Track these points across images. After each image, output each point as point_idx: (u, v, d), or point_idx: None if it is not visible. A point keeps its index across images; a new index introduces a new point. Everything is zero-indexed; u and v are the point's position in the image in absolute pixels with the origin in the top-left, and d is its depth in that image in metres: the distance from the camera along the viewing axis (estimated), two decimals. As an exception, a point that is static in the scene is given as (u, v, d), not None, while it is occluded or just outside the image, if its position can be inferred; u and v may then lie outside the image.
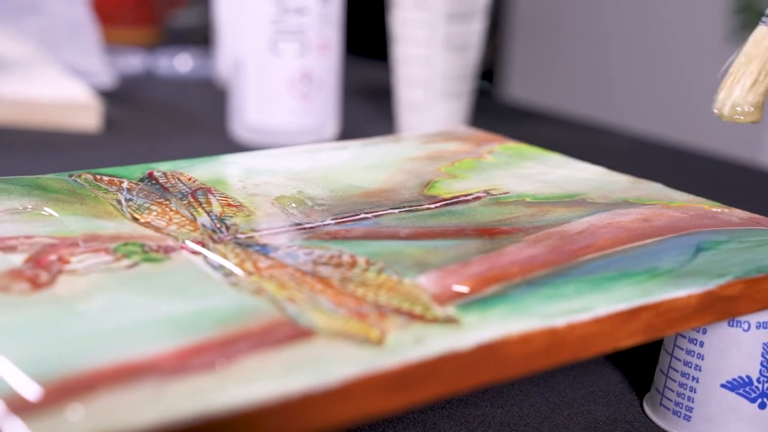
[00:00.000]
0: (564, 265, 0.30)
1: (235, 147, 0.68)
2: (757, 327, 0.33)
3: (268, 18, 0.66)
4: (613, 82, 2.52)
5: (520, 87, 2.82)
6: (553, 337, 0.26)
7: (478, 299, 0.28)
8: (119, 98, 0.79)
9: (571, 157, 0.55)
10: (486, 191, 0.38)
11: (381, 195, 0.37)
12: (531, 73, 2.82)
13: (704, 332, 0.33)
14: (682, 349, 0.34)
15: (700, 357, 0.34)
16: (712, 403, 0.34)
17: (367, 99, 0.84)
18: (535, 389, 0.36)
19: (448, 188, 0.38)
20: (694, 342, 0.34)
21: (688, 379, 0.34)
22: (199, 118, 0.75)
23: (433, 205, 0.36)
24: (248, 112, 0.68)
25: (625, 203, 0.37)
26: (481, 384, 0.25)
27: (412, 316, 0.26)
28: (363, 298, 0.27)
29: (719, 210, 0.36)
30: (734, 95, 0.35)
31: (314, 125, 0.68)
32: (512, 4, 2.93)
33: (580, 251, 0.31)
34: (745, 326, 0.33)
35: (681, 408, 0.34)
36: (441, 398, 0.25)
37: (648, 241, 0.33)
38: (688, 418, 0.34)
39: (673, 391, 0.35)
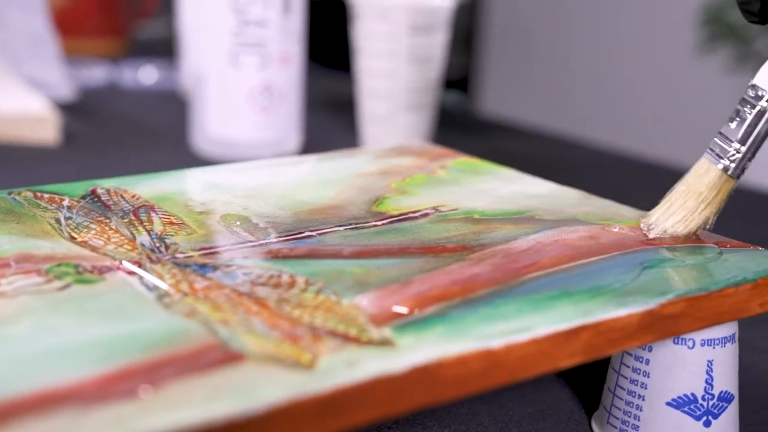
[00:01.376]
0: (506, 284, 0.30)
1: (196, 161, 0.67)
2: (702, 344, 0.33)
3: (229, 30, 0.65)
4: (586, 95, 2.53)
5: (494, 101, 2.83)
6: (490, 358, 0.26)
7: (416, 320, 0.27)
8: (80, 111, 0.78)
9: (532, 171, 0.55)
10: (435, 208, 0.37)
11: (328, 212, 0.36)
12: (504, 87, 2.83)
13: (650, 350, 0.33)
14: (628, 366, 0.34)
15: (646, 375, 0.33)
16: (657, 421, 0.33)
17: (332, 111, 0.84)
18: (484, 407, 0.36)
19: (396, 205, 0.38)
20: (640, 360, 0.34)
21: (634, 397, 0.34)
22: (162, 131, 0.74)
23: (379, 222, 0.35)
24: (209, 126, 0.67)
25: (574, 220, 0.36)
26: (415, 407, 0.25)
27: (346, 339, 0.26)
28: (298, 320, 0.27)
29: (667, 226, 0.36)
30: (666, 225, 0.35)
31: (276, 138, 0.68)
32: (486, 19, 2.94)
33: (524, 269, 0.31)
34: (690, 344, 0.33)
35: (627, 426, 0.34)
36: (374, 422, 0.25)
37: (593, 259, 0.32)
38: (634, 437, 0.34)
39: (619, 409, 0.34)
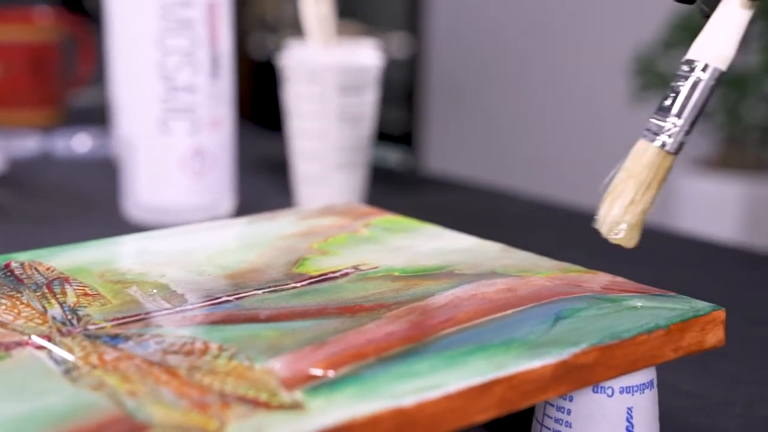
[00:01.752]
0: (421, 342, 0.30)
1: (128, 228, 0.67)
2: (621, 392, 0.33)
3: (157, 97, 0.65)
4: (524, 147, 2.57)
5: (436, 156, 2.85)
6: (402, 417, 0.26)
7: (328, 382, 0.27)
8: (11, 182, 0.77)
9: (468, 225, 0.55)
10: (355, 267, 0.37)
11: (247, 276, 0.36)
12: (446, 142, 2.86)
13: (570, 399, 0.33)
14: (550, 417, 0.34)
15: (568, 425, 0.34)
16: (583, 471, 0.33)
17: (267, 172, 0.84)
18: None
19: (317, 265, 0.38)
20: (562, 410, 0.34)
21: (558, 448, 0.34)
22: (95, 200, 0.74)
23: (298, 284, 0.35)
24: (141, 192, 0.67)
25: (493, 274, 0.37)
26: (326, 471, 0.25)
27: (256, 404, 0.26)
28: (208, 388, 0.27)
29: (584, 276, 0.36)
30: (613, 213, 0.34)
31: (209, 202, 0.68)
32: (426, 75, 2.98)
33: (440, 325, 0.31)
34: (609, 392, 0.33)
35: (554, 478, 0.34)
36: (284, 488, 0.24)
37: (508, 312, 0.33)
38: (561, 488, 0.34)
39: (545, 461, 0.34)
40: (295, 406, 0.26)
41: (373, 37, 3.67)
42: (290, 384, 0.27)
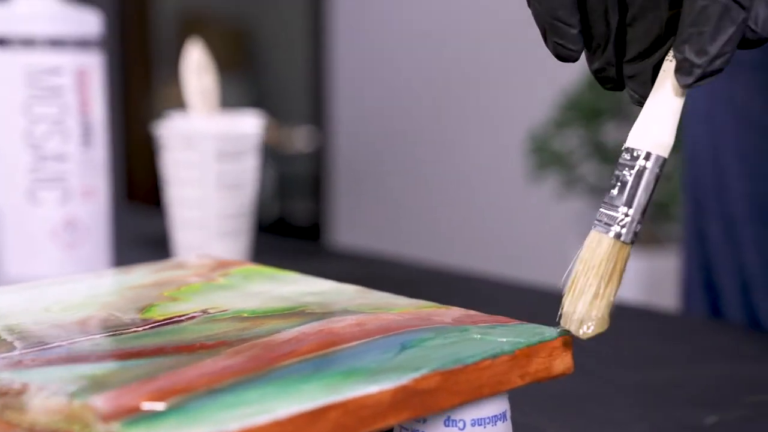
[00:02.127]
0: (256, 373, 0.29)
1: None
2: (473, 424, 0.32)
3: (25, 166, 0.64)
4: (430, 228, 2.60)
5: (345, 236, 2.86)
6: (225, 444, 0.25)
7: (151, 414, 0.26)
8: None
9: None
10: (203, 311, 0.36)
11: (88, 323, 0.35)
12: (353, 231, 2.88)
13: (423, 435, 0.33)
14: (404, 455, 0.33)
15: (422, 461, 0.33)
16: None
17: (147, 246, 0.82)
18: None
19: (164, 311, 0.36)
20: (415, 446, 0.33)
21: (413, 486, 0.33)
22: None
23: (140, 328, 0.34)
24: (10, 265, 0.64)
25: (344, 311, 0.36)
26: (140, 502, 0.23)
27: (66, 436, 0.24)
28: (18, 424, 0.25)
29: (437, 311, 0.36)
30: (579, 310, 0.33)
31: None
32: (333, 169, 3.02)
33: (279, 358, 0.30)
34: (461, 425, 0.32)
35: None
36: None
37: (354, 343, 0.32)
38: None
39: (400, 502, 0.33)
40: (109, 437, 0.24)
41: (282, 131, 3.70)
42: (110, 417, 0.26)
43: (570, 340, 0.33)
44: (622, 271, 0.34)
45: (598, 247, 0.33)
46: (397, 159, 2.72)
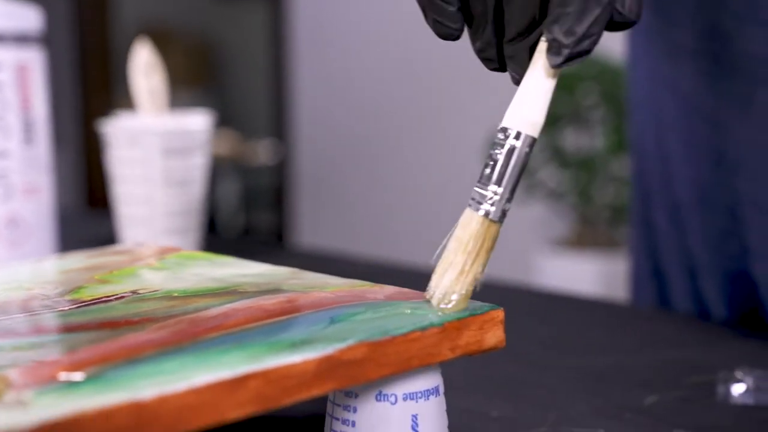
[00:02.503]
0: (178, 345, 0.28)
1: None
2: (405, 398, 0.32)
3: (-35, 162, 0.62)
4: (390, 229, 2.61)
5: (308, 243, 2.86)
6: (140, 411, 0.24)
7: (65, 383, 0.25)
8: None
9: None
10: (133, 291, 0.36)
11: (12, 303, 0.34)
12: (316, 241, 2.87)
13: (354, 411, 0.32)
14: (335, 431, 0.33)
15: (353, 437, 0.32)
16: (369, 484, 0.32)
17: (97, 246, 0.81)
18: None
19: (93, 292, 0.36)
20: (347, 422, 0.32)
21: (344, 462, 0.32)
22: None
23: (66, 307, 0.33)
24: (-50, 264, 0.63)
25: (277, 290, 0.36)
26: (49, 468, 0.23)
27: (-26, 403, 0.24)
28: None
29: (371, 288, 0.36)
30: (443, 284, 0.33)
31: (25, 272, 0.65)
32: (295, 180, 3.02)
33: (204, 332, 0.30)
34: (393, 399, 0.32)
35: (341, 495, 0.32)
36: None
37: (282, 318, 0.32)
38: (348, 505, 0.32)
39: (332, 479, 0.33)
40: (19, 404, 0.24)
41: (246, 145, 3.69)
42: (21, 387, 0.25)
43: (502, 315, 0.33)
44: (490, 249, 0.34)
45: (468, 225, 0.34)
46: (358, 168, 2.72)
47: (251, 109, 3.99)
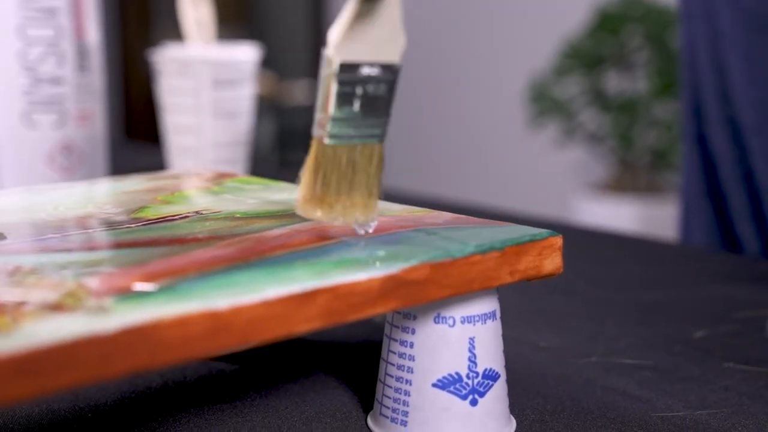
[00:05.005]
0: (247, 261, 0.29)
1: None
2: (462, 322, 0.33)
3: (20, 90, 0.63)
4: (428, 172, 2.60)
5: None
6: (214, 320, 0.25)
7: (142, 292, 0.26)
8: None
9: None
10: (197, 212, 0.36)
11: (81, 220, 0.35)
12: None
13: (413, 332, 0.33)
14: (395, 353, 0.33)
15: (411, 359, 0.33)
16: (425, 404, 0.33)
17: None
18: (258, 414, 0.35)
19: (157, 212, 0.36)
20: (405, 344, 0.33)
21: (402, 383, 0.33)
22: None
23: (133, 225, 0.34)
24: (6, 188, 0.64)
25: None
26: (129, 370, 0.24)
27: (58, 308, 0.24)
28: (8, 296, 0.25)
29: (428, 214, 0.36)
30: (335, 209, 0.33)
31: (78, 198, 0.66)
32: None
33: (271, 249, 0.31)
34: (451, 322, 0.33)
35: (398, 414, 0.33)
36: (80, 385, 0.23)
37: (344, 238, 0.32)
38: (404, 423, 0.33)
39: (390, 398, 0.34)
40: (99, 310, 0.24)
41: (281, 85, 3.68)
42: (100, 294, 0.26)
43: (560, 242, 0.34)
44: (319, 165, 0.33)
45: (312, 149, 0.34)
46: (397, 109, 2.70)
47: (288, 49, 3.97)
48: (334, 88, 0.33)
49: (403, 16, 2.64)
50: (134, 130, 3.43)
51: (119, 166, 0.85)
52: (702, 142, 0.60)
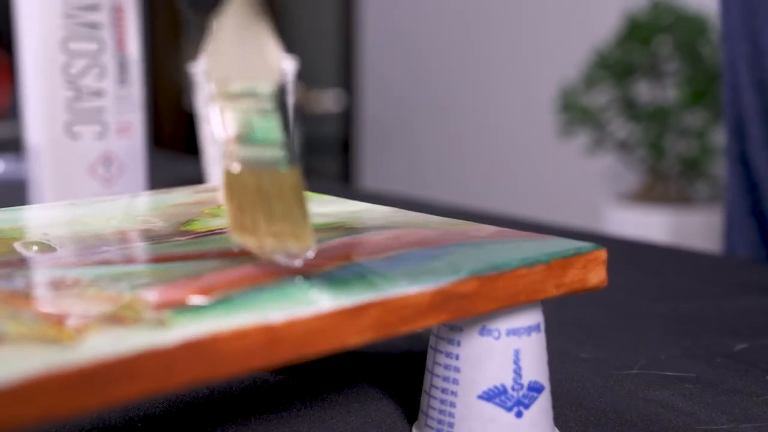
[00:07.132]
0: (298, 274, 0.30)
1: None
2: (507, 334, 0.33)
3: (63, 102, 0.64)
4: (459, 180, 2.60)
5: (371, 181, 2.87)
6: (269, 333, 0.26)
7: (198, 305, 0.27)
8: None
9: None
10: (243, 225, 0.37)
11: (132, 234, 0.36)
12: (380, 189, 2.88)
13: (459, 344, 0.33)
14: (440, 365, 0.34)
15: (457, 370, 0.33)
16: (471, 416, 0.33)
17: (181, 185, 0.83)
18: (304, 424, 0.35)
19: (205, 225, 0.37)
20: (451, 356, 0.33)
21: (447, 394, 0.33)
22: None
23: (183, 238, 0.35)
24: (47, 199, 0.66)
25: (382, 227, 0.37)
26: (189, 382, 0.24)
27: (118, 321, 0.25)
28: (70, 309, 0.26)
29: (471, 227, 0.37)
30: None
31: (118, 209, 0.67)
32: (360, 128, 3.02)
33: (322, 263, 0.31)
34: (496, 334, 0.33)
35: (443, 425, 0.34)
36: (142, 397, 0.24)
37: (393, 252, 0.33)
38: (450, 434, 0.34)
39: (435, 410, 0.34)
40: (159, 323, 0.25)
41: (308, 93, 3.70)
42: (158, 307, 0.26)
43: (605, 255, 0.34)
44: (232, 194, 0.32)
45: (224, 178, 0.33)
46: (429, 118, 2.71)
47: (316, 58, 3.99)
48: (224, 110, 0.31)
49: (436, 25, 2.65)
50: (162, 139, 3.46)
51: (154, 176, 0.86)
52: (744, 161, 0.60)
